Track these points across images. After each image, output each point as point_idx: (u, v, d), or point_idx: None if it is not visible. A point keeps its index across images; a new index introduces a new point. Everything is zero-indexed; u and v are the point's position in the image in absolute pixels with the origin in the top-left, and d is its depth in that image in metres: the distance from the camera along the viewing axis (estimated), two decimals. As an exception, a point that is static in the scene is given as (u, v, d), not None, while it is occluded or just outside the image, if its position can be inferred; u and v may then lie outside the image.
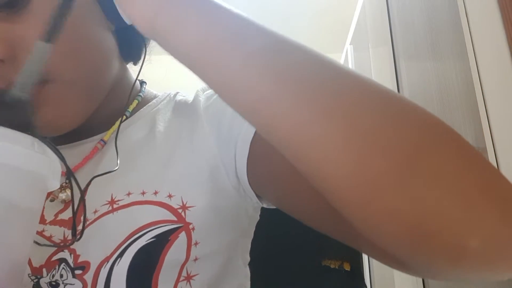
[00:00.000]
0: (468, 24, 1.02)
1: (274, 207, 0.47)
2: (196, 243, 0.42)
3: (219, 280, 0.44)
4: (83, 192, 0.41)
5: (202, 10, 0.29)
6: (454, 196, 0.24)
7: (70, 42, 0.41)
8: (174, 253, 0.40)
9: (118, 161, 0.43)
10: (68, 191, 0.44)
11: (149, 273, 0.39)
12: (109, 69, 0.47)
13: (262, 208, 0.52)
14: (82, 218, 0.40)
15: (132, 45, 0.50)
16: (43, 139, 0.33)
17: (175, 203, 0.42)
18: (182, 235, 0.41)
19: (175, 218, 0.41)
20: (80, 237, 0.38)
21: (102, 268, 0.39)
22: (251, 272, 0.57)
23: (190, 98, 0.52)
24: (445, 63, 1.19)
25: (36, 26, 0.38)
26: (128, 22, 0.42)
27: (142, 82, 0.56)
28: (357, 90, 0.26)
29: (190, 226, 0.41)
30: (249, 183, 0.44)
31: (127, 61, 0.54)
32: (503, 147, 0.91)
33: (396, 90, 1.61)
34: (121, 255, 0.39)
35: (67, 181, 0.45)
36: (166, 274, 0.40)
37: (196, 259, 0.42)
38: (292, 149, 0.26)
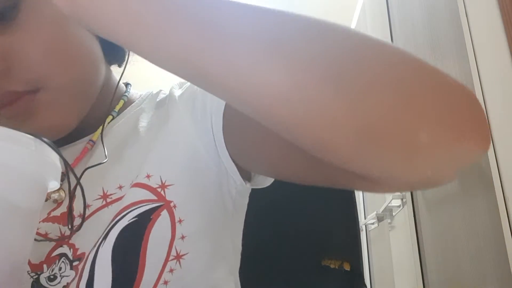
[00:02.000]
0: (468, 24, 1.02)
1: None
2: (180, 221, 0.42)
3: (209, 262, 0.45)
4: (81, 184, 0.42)
5: None
6: (392, 95, 0.25)
7: (59, 49, 0.42)
8: (159, 231, 0.41)
9: (106, 153, 0.45)
10: (61, 192, 0.45)
11: (135, 252, 0.40)
12: (97, 72, 0.49)
13: (262, 208, 0.52)
14: (82, 208, 0.42)
15: (115, 48, 0.52)
16: (43, 139, 0.33)
17: (153, 183, 0.43)
18: (164, 213, 0.42)
19: (155, 197, 0.42)
20: (80, 227, 0.39)
21: (91, 253, 0.40)
22: (250, 272, 0.57)
23: (173, 90, 0.54)
24: (445, 63, 1.19)
25: (26, 37, 0.40)
26: None
27: (127, 84, 0.58)
28: (284, 17, 0.27)
29: (171, 204, 0.42)
30: (231, 157, 0.45)
31: (111, 64, 0.55)
32: (503, 147, 0.91)
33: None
34: (105, 237, 0.40)
35: (61, 182, 0.45)
36: (153, 252, 0.41)
37: (183, 237, 0.42)
38: (225, 87, 0.26)
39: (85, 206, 0.41)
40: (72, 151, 0.48)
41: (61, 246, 0.41)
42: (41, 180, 0.32)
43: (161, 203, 0.42)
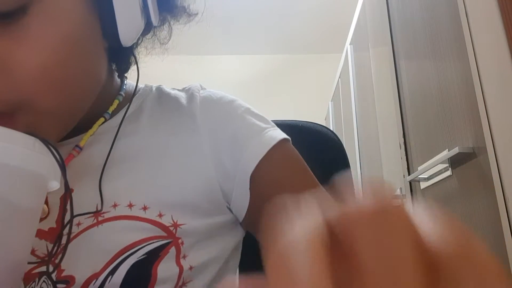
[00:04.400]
0: (468, 24, 1.02)
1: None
2: (184, 256, 0.42)
3: (212, 284, 0.45)
4: (72, 211, 0.38)
5: None
6: None
7: (58, 70, 0.34)
8: (166, 267, 0.40)
9: (102, 206, 0.40)
10: (44, 207, 0.40)
11: (144, 287, 0.39)
12: (93, 93, 0.42)
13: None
14: (66, 233, 0.39)
15: (122, 60, 0.49)
16: (44, 139, 0.33)
17: (166, 221, 0.41)
18: (172, 250, 0.41)
19: (165, 234, 0.41)
20: (62, 254, 0.37)
21: (91, 285, 0.38)
22: (250, 272, 0.56)
23: (181, 96, 0.50)
24: (445, 63, 1.19)
25: (31, 45, 0.33)
26: (124, 44, 0.40)
27: (122, 78, 0.52)
28: None
29: (179, 241, 0.41)
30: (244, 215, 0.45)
31: (118, 74, 0.51)
32: (503, 147, 0.91)
33: (396, 90, 1.61)
34: (112, 272, 0.38)
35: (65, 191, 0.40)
36: (161, 285, 0.40)
37: (191, 268, 0.42)
38: None
39: (69, 236, 0.38)
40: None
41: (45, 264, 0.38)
42: (41, 180, 0.32)
43: (170, 240, 0.41)
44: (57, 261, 0.38)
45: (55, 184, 0.34)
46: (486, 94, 0.95)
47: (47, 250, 0.39)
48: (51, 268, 0.38)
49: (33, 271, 0.38)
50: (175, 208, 0.42)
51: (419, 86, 1.41)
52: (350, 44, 2.59)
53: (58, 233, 0.39)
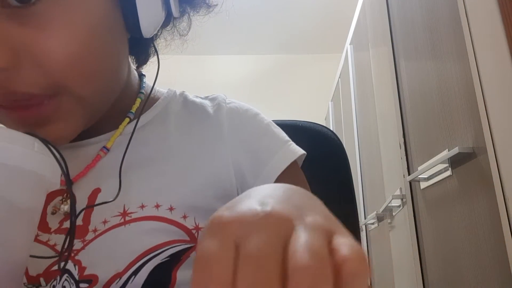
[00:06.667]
0: (468, 24, 1.02)
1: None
2: None
3: None
4: (74, 202, 0.38)
5: None
6: None
7: (86, 56, 0.36)
8: (185, 271, 0.41)
9: (120, 192, 0.41)
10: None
11: None
12: (119, 85, 0.44)
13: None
14: (98, 223, 0.39)
15: (142, 52, 0.50)
16: (45, 141, 0.33)
17: (189, 224, 0.42)
18: (193, 255, 0.41)
19: (188, 238, 0.41)
20: (64, 265, 0.37)
21: (114, 284, 0.38)
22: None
23: (207, 104, 0.51)
24: (445, 63, 1.19)
25: (46, 31, 0.33)
26: (145, 35, 0.41)
27: (141, 75, 0.53)
28: None
29: None
30: None
31: (136, 66, 0.52)
32: (503, 147, 0.91)
33: (396, 90, 1.61)
34: (135, 272, 0.38)
35: (67, 188, 0.42)
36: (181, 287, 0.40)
37: None
38: None
39: (72, 242, 0.37)
40: (83, 153, 0.45)
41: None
42: (41, 179, 0.32)
43: (192, 244, 0.42)
44: (77, 257, 0.38)
45: (55, 184, 0.34)
46: (486, 94, 0.95)
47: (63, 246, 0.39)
48: (71, 265, 0.39)
49: (53, 268, 0.38)
50: (198, 211, 0.43)
51: (419, 86, 1.41)
52: (350, 44, 2.59)
53: (83, 230, 0.40)
